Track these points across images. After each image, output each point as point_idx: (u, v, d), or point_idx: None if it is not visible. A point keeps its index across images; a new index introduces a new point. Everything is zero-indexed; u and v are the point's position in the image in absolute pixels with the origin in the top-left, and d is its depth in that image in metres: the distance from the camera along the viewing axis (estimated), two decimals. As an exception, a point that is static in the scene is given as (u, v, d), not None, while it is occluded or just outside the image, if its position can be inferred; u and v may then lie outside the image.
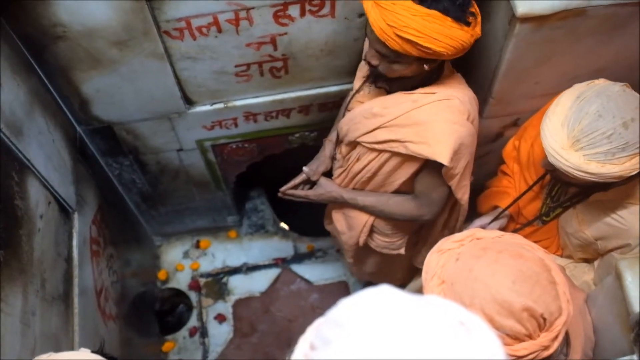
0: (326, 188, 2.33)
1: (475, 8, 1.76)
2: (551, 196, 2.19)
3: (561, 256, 2.29)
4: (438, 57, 1.76)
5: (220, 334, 3.45)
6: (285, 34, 2.23)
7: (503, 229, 2.34)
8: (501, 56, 2.09)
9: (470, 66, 2.39)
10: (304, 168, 2.37)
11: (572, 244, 2.17)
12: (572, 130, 1.73)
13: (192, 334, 3.45)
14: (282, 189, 2.39)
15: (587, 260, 2.23)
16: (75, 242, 2.32)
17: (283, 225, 3.77)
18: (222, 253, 3.68)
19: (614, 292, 1.62)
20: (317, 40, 2.29)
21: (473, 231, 1.48)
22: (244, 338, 3.43)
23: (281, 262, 3.62)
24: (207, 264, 3.65)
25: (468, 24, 1.72)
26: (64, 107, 2.41)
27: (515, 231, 2.26)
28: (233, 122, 2.69)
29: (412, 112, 1.93)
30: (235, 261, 3.65)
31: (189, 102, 2.54)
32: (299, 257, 3.65)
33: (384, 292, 0.83)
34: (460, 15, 1.69)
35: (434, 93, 1.93)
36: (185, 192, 3.24)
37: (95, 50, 2.15)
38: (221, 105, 2.57)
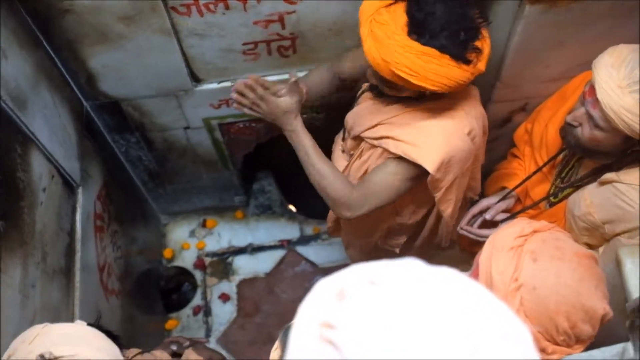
0: (286, 102, 1.96)
1: (482, 40, 1.65)
2: (561, 177, 2.16)
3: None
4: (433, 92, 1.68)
5: (223, 314, 3.46)
6: (294, 12, 2.20)
7: (509, 209, 2.32)
8: (510, 38, 2.05)
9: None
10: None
11: (578, 227, 2.14)
12: (631, 70, 1.66)
13: (195, 312, 3.46)
14: (236, 83, 2.02)
15: (592, 247, 2.20)
16: (78, 217, 2.33)
17: (290, 207, 3.76)
18: (228, 233, 3.68)
19: (614, 278, 1.60)
20: (325, 20, 2.27)
21: (522, 223, 1.43)
22: (248, 318, 3.44)
23: (287, 244, 3.62)
24: (213, 244, 3.66)
25: (468, 62, 1.61)
26: (71, 81, 2.41)
27: (521, 212, 2.24)
28: (240, 101, 2.67)
29: (413, 112, 1.85)
30: (241, 241, 3.65)
31: (196, 79, 2.52)
32: (304, 239, 3.64)
33: (414, 261, 0.78)
34: (460, 54, 1.59)
35: (440, 99, 1.83)
36: (192, 171, 3.24)
37: (102, 24, 2.14)
38: (228, 84, 2.55)
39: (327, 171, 1.94)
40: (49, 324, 1.45)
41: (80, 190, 2.37)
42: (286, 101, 1.96)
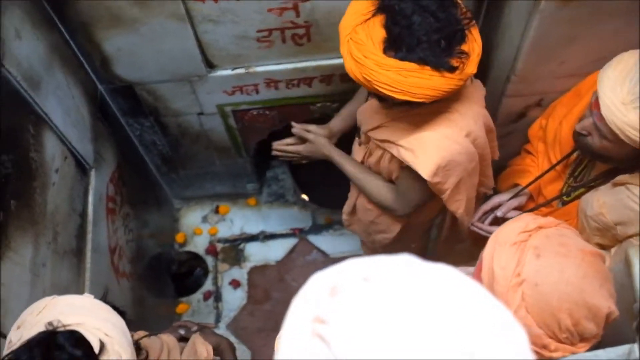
0: (318, 143, 2.23)
1: (470, 43, 1.58)
2: (574, 176, 2.14)
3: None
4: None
5: (234, 300, 3.48)
6: (308, 0, 2.20)
7: (522, 207, 2.30)
8: (525, 33, 2.03)
9: (493, 43, 2.34)
10: (293, 123, 2.29)
11: (590, 227, 2.12)
12: (635, 85, 1.64)
13: (206, 297, 3.49)
14: (275, 144, 2.33)
15: (604, 247, 2.18)
16: (90, 199, 2.35)
17: (303, 195, 3.76)
18: (240, 220, 3.70)
19: (623, 278, 1.58)
20: (340, 8, 2.23)
21: (527, 219, 1.42)
22: (257, 305, 3.46)
23: (298, 232, 3.63)
24: (225, 230, 3.68)
25: (453, 69, 1.54)
26: (85, 64, 2.42)
27: (533, 210, 2.22)
28: (254, 88, 2.67)
29: (410, 116, 1.82)
30: (253, 228, 3.67)
31: (210, 65, 2.53)
32: (316, 228, 3.65)
33: (409, 258, 0.77)
34: (441, 63, 1.52)
35: (436, 102, 1.78)
36: (206, 157, 3.25)
37: (116, 7, 2.15)
38: (242, 71, 2.55)
39: (367, 184, 2.14)
40: (57, 296, 1.48)
41: (93, 173, 2.40)
42: (312, 143, 2.25)
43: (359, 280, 0.73)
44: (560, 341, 1.30)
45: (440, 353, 0.66)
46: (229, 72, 2.56)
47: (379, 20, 1.56)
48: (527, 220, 1.41)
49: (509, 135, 2.59)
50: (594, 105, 1.75)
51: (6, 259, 1.73)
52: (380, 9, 1.56)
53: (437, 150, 1.77)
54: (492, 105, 2.48)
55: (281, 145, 2.32)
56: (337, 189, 2.75)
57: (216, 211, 3.71)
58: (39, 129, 2.00)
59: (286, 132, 3.07)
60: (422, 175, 1.79)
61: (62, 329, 1.33)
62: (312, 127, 2.30)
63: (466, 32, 1.58)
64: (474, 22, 1.60)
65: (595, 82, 2.01)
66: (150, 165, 3.26)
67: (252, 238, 3.65)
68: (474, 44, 1.60)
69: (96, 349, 1.32)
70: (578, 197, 2.13)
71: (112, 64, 2.44)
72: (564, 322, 1.26)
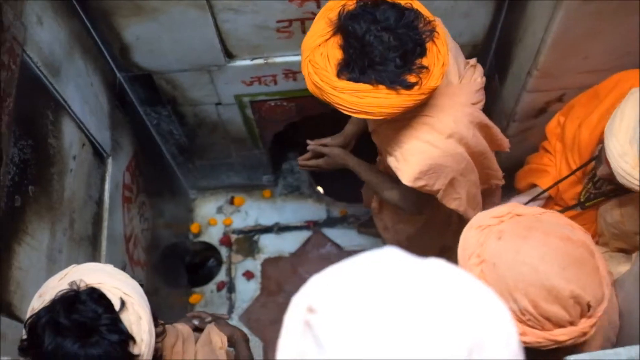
0: (334, 155, 2.25)
1: (430, 56, 1.54)
2: (593, 181, 2.11)
3: (597, 244, 2.21)
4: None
5: (247, 291, 3.48)
6: (329, -9, 2.18)
7: (541, 210, 2.28)
8: (549, 27, 2.00)
9: (515, 36, 2.31)
10: (308, 141, 2.34)
11: (609, 233, 2.10)
12: None
13: (219, 288, 3.49)
14: (298, 160, 2.38)
15: (625, 251, 2.15)
16: (107, 186, 2.35)
17: (318, 188, 3.75)
18: (255, 211, 3.69)
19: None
20: (361, 0, 2.23)
21: (511, 206, 1.42)
22: (270, 297, 3.46)
23: (313, 225, 3.62)
24: (240, 221, 3.68)
25: (410, 86, 1.51)
26: (105, 52, 2.43)
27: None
28: (272, 79, 2.66)
29: (393, 123, 1.79)
30: (267, 220, 3.67)
31: (229, 55, 2.52)
32: (331, 222, 3.64)
33: (388, 254, 0.79)
34: (396, 81, 1.49)
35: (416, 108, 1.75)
36: (222, 147, 3.25)
37: (137, -4, 2.15)
38: (261, 61, 2.54)
39: (378, 186, 2.20)
40: (76, 265, 1.50)
41: (110, 160, 2.40)
42: (330, 156, 2.26)
43: (333, 290, 0.78)
44: (526, 324, 1.28)
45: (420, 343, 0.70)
46: (247, 62, 2.55)
47: (337, 41, 1.54)
48: (510, 207, 1.41)
49: (529, 131, 2.56)
50: (606, 161, 1.75)
51: (24, 244, 1.73)
52: (336, 30, 1.54)
53: (417, 156, 1.77)
54: (513, 100, 2.45)
55: (303, 161, 2.36)
56: (353, 182, 2.75)
57: (231, 202, 3.72)
58: (57, 115, 2.00)
59: (304, 124, 3.07)
60: (403, 181, 1.80)
61: (84, 287, 1.37)
62: (326, 141, 2.31)
63: (428, 44, 1.55)
64: (437, 33, 1.56)
65: (616, 85, 1.99)
66: (167, 154, 3.27)
67: (267, 230, 3.64)
68: (437, 56, 1.56)
69: (117, 306, 1.36)
70: (598, 203, 2.11)
71: (131, 52, 2.44)
72: (521, 302, 1.25)
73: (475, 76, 1.88)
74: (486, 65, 2.67)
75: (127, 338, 1.35)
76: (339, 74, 1.52)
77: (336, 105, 1.55)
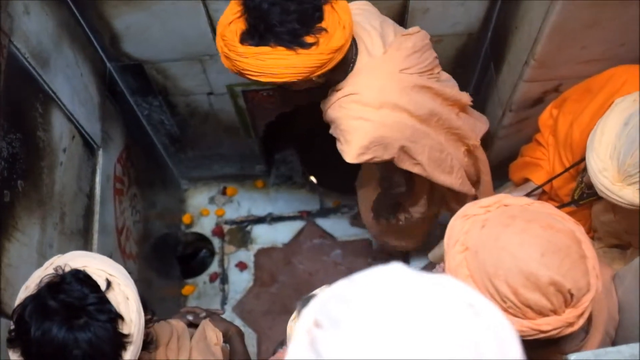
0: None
1: (330, 19, 1.64)
2: (586, 182, 2.10)
3: (592, 239, 2.20)
4: (295, 84, 1.71)
5: (240, 282, 3.46)
6: (323, -21, 2.14)
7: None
8: (547, 16, 1.97)
9: (512, 25, 2.29)
10: None
11: (602, 230, 2.10)
12: (622, 164, 1.63)
13: (212, 279, 3.47)
14: None
15: (619, 246, 2.14)
16: (98, 179, 2.32)
17: (311, 178, 3.72)
18: (247, 201, 3.66)
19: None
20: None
21: (500, 197, 1.41)
22: (264, 287, 3.44)
23: (306, 215, 3.60)
24: (232, 212, 3.64)
25: (308, 45, 1.61)
26: (95, 41, 2.38)
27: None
28: (265, 69, 2.63)
29: (327, 111, 1.89)
30: (260, 211, 3.64)
31: (221, 44, 2.48)
32: (324, 212, 3.61)
33: (394, 271, 0.79)
34: (295, 41, 1.60)
35: (340, 89, 1.85)
36: (214, 137, 3.21)
37: (126, -16, 2.10)
38: (254, 50, 2.50)
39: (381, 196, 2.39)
40: (61, 254, 1.51)
41: (100, 152, 2.36)
42: None
43: (340, 305, 0.77)
44: (509, 312, 1.27)
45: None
46: (240, 51, 2.50)
47: (244, 17, 1.66)
48: (498, 198, 1.41)
49: (525, 121, 2.54)
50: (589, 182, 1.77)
51: (14, 240, 1.70)
52: (243, 7, 1.65)
53: (353, 134, 1.83)
54: (509, 90, 2.43)
55: None
56: (346, 172, 2.72)
57: (223, 192, 3.68)
58: (46, 107, 1.96)
59: (296, 114, 3.04)
60: (346, 159, 1.86)
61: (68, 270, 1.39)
62: None
63: (327, 10, 1.65)
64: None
65: (608, 81, 1.98)
66: (158, 145, 3.23)
67: (259, 220, 3.61)
68: (336, 19, 1.65)
69: (102, 286, 1.37)
70: (591, 202, 2.09)
71: (121, 42, 2.40)
72: (501, 289, 1.25)
73: (406, 43, 1.89)
74: (481, 54, 2.64)
75: (116, 317, 1.35)
76: (242, 41, 1.63)
77: (243, 71, 1.66)
